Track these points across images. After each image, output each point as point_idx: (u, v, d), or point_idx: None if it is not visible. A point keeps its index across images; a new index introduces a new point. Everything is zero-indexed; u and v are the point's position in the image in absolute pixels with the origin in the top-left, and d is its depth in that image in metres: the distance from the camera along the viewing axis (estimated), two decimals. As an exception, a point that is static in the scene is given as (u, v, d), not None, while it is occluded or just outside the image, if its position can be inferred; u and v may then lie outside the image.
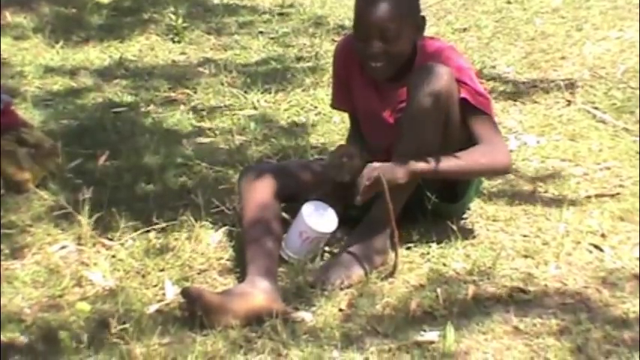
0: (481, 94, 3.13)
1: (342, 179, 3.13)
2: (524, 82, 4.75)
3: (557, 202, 3.55)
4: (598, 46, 5.18)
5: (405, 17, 3.13)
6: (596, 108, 4.40)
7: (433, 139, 3.05)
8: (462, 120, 3.11)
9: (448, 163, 3.06)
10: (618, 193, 3.61)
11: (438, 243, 3.25)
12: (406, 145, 3.04)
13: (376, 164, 3.05)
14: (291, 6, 6.07)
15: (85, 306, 2.90)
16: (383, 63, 3.15)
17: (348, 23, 5.55)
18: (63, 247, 3.30)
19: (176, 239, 3.29)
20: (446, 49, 3.25)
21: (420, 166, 3.04)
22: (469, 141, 3.12)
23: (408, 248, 3.22)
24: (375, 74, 3.22)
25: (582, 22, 5.56)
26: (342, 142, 3.98)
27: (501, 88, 4.68)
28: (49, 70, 5.03)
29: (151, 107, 4.54)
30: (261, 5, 6.13)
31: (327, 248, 3.22)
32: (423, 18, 3.23)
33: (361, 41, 3.17)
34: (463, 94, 3.09)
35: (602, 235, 3.32)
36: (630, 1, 5.87)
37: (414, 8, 3.21)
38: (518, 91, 4.64)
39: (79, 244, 3.29)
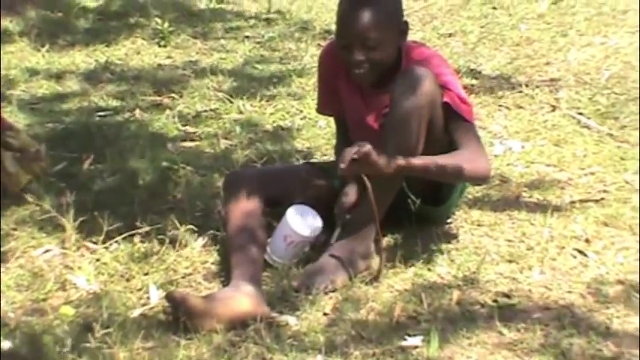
0: (463, 101, 3.13)
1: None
2: (509, 87, 4.75)
3: (542, 207, 3.55)
4: (583, 52, 5.20)
5: (387, 24, 3.13)
6: (580, 113, 4.42)
7: (416, 143, 3.04)
8: (444, 125, 3.12)
9: (431, 164, 3.05)
10: (602, 199, 3.62)
11: (422, 248, 3.24)
12: (389, 150, 3.03)
13: (366, 144, 2.97)
14: (277, 11, 6.08)
15: (68, 310, 2.89)
16: (366, 70, 3.16)
17: (334, 28, 5.53)
18: (47, 251, 3.29)
19: (161, 243, 3.28)
20: (430, 54, 3.26)
21: (405, 161, 3.01)
22: (450, 146, 3.12)
23: (393, 253, 3.21)
24: (359, 80, 3.23)
25: (567, 28, 5.59)
26: (328, 147, 4.00)
27: (486, 94, 4.67)
28: (34, 74, 5.04)
29: (137, 111, 4.53)
30: (247, 10, 6.14)
31: (311, 252, 3.21)
32: (406, 23, 3.23)
33: (344, 49, 3.17)
34: (445, 99, 3.09)
35: (587, 241, 3.32)
36: (615, 7, 5.92)
37: (396, 14, 3.20)
38: (504, 97, 4.65)
39: (63, 248, 3.28)
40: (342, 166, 2.93)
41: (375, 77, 3.19)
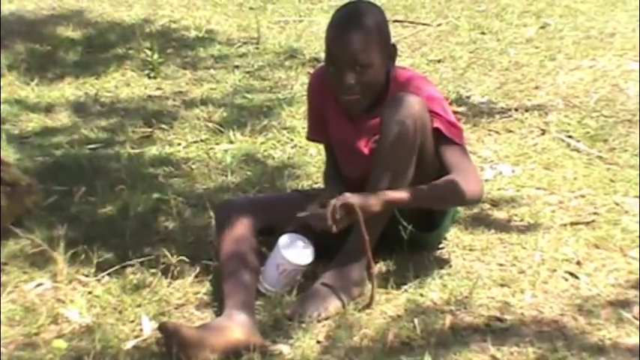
0: (453, 125, 3.15)
1: (323, 228, 3.12)
2: (498, 112, 4.77)
3: (533, 230, 3.56)
4: (571, 76, 5.22)
5: (376, 46, 3.14)
6: (570, 137, 4.43)
7: (407, 169, 3.06)
8: (435, 150, 3.13)
9: (422, 193, 3.07)
10: (593, 221, 3.63)
11: (414, 273, 3.25)
12: (380, 175, 3.05)
13: (349, 194, 3.05)
14: (266, 39, 6.09)
15: (61, 343, 2.89)
16: (358, 95, 3.17)
17: (323, 56, 5.55)
18: (39, 285, 3.28)
19: (153, 274, 3.28)
20: (417, 78, 3.28)
21: (394, 195, 3.04)
22: (442, 170, 3.13)
23: (385, 279, 3.22)
24: (351, 107, 3.23)
25: (555, 52, 5.61)
26: (318, 175, 4.00)
27: (476, 118, 4.69)
28: (24, 108, 5.03)
29: (127, 143, 4.53)
30: (236, 39, 6.15)
31: (303, 280, 3.21)
32: (394, 47, 3.24)
33: (334, 74, 3.18)
34: (436, 124, 3.10)
35: (578, 263, 3.33)
36: (602, 30, 5.95)
37: (384, 37, 3.21)
38: (493, 121, 4.66)
39: (54, 282, 3.28)
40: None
41: (366, 103, 3.20)
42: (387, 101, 3.14)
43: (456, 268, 3.32)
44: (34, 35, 6.24)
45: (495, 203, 3.80)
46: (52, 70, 5.62)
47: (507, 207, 3.77)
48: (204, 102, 5.02)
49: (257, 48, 5.95)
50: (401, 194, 3.05)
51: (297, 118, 4.74)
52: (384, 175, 3.05)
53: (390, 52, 3.23)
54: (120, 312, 3.12)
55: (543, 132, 4.50)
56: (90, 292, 3.23)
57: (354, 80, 3.14)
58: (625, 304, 3.08)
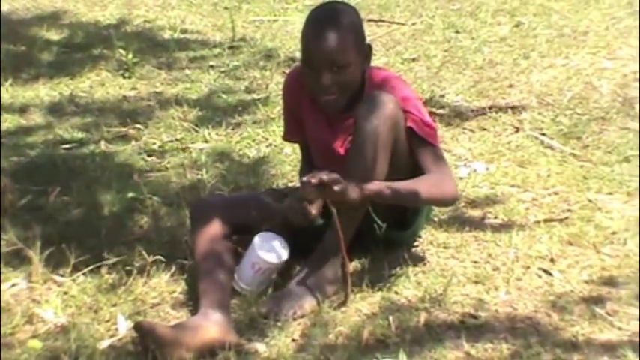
0: (427, 124, 3.16)
1: (302, 224, 3.13)
2: (472, 110, 4.79)
3: (507, 227, 3.58)
4: (545, 74, 5.25)
5: (352, 46, 3.16)
6: (543, 134, 4.46)
7: (381, 167, 3.06)
8: (408, 149, 3.14)
9: (398, 190, 3.08)
10: (566, 218, 3.65)
11: (389, 271, 3.26)
12: (354, 174, 3.05)
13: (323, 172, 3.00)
14: (241, 39, 6.09)
15: (36, 343, 2.88)
16: (335, 95, 3.18)
17: (299, 55, 5.51)
18: (14, 285, 3.27)
19: (128, 274, 3.27)
20: (392, 78, 3.29)
21: (371, 187, 3.03)
22: (416, 170, 3.14)
23: (360, 277, 3.23)
24: (328, 107, 3.24)
25: (529, 51, 5.64)
26: (294, 174, 4.01)
27: (450, 117, 4.71)
28: (-2, 108, 5.02)
29: (102, 143, 4.53)
30: (211, 39, 6.15)
31: (279, 279, 3.22)
32: (370, 46, 3.26)
33: (311, 74, 3.18)
34: (409, 124, 3.11)
35: (551, 260, 3.36)
36: (576, 29, 5.98)
37: (360, 37, 3.23)
38: (468, 119, 4.68)
39: (30, 282, 3.27)
40: (309, 180, 2.94)
41: (343, 102, 3.21)
42: (362, 101, 3.15)
43: (431, 266, 3.33)
44: (8, 35, 6.21)
45: (470, 201, 3.82)
46: (27, 71, 5.60)
47: (481, 205, 3.79)
48: (179, 102, 5.02)
49: (232, 48, 5.95)
50: (378, 186, 3.04)
51: (272, 117, 4.74)
52: (357, 174, 3.04)
53: (366, 51, 3.24)
54: (95, 311, 3.11)
55: (517, 130, 4.53)
56: (65, 292, 3.23)
57: (331, 80, 3.15)
58: (598, 300, 3.10)
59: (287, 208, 3.16)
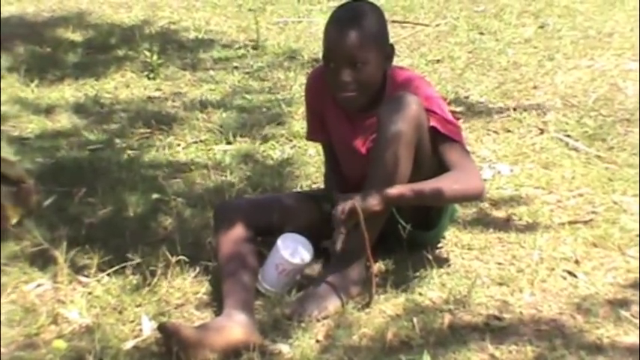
0: (450, 122, 3.16)
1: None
2: (497, 112, 4.78)
3: (531, 229, 3.57)
4: (569, 75, 5.24)
5: (373, 44, 3.16)
6: (568, 136, 4.44)
7: (404, 168, 3.06)
8: (432, 149, 3.13)
9: (421, 190, 3.07)
10: (591, 220, 3.64)
11: (413, 272, 3.26)
12: (377, 175, 3.05)
13: (349, 195, 3.06)
14: (265, 40, 6.10)
15: (61, 344, 2.89)
16: (354, 93, 3.18)
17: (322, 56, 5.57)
18: (39, 286, 3.29)
19: (152, 275, 3.28)
20: (414, 78, 3.28)
21: (394, 192, 3.04)
22: (440, 169, 3.13)
23: (384, 278, 3.22)
24: (347, 104, 3.24)
25: (554, 52, 5.63)
26: (317, 175, 4.01)
27: (475, 118, 4.70)
28: (24, 109, 5.04)
29: (127, 144, 4.54)
30: (235, 40, 6.16)
31: (303, 280, 3.23)
32: (392, 46, 3.26)
33: (332, 70, 3.19)
34: (432, 123, 3.11)
35: (576, 262, 3.34)
36: (601, 30, 5.96)
37: (382, 36, 3.23)
38: (492, 121, 4.67)
39: (54, 282, 3.28)
40: (339, 238, 3.05)
41: (362, 100, 3.20)
42: (384, 101, 3.15)
43: (455, 267, 3.33)
44: (34, 37, 6.26)
45: (494, 202, 3.81)
46: (52, 72, 5.63)
47: (506, 206, 3.78)
48: (203, 103, 5.03)
49: (256, 49, 5.96)
50: (401, 190, 3.05)
51: (296, 118, 4.75)
52: (381, 175, 3.05)
53: (388, 52, 3.24)
54: (120, 312, 3.12)
55: (542, 131, 4.51)
56: (90, 293, 3.24)
57: (351, 77, 3.15)
58: (623, 302, 3.09)
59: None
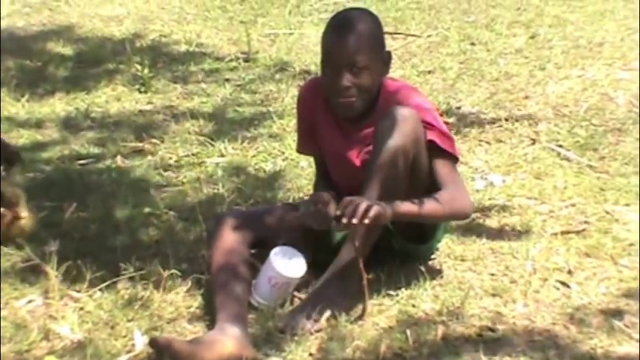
0: (446, 135, 3.16)
1: (319, 227, 3.12)
2: (488, 122, 4.78)
3: (524, 239, 3.57)
4: (561, 85, 5.24)
5: (372, 49, 3.17)
6: (560, 146, 4.44)
7: (400, 182, 3.05)
8: (428, 162, 3.13)
9: (421, 208, 3.07)
10: (584, 230, 3.64)
11: (406, 284, 3.25)
12: (373, 188, 3.04)
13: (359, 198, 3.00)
14: (256, 52, 6.10)
15: (53, 360, 2.88)
16: (354, 98, 3.17)
17: (314, 69, 5.58)
18: (30, 301, 3.28)
19: (144, 289, 3.27)
20: (408, 89, 3.29)
21: (403, 208, 3.03)
22: (433, 183, 3.13)
23: (377, 290, 3.22)
24: (345, 111, 3.23)
25: (545, 62, 5.63)
26: (310, 187, 4.01)
27: (467, 129, 4.70)
28: (14, 124, 5.02)
29: (118, 158, 4.53)
30: (227, 53, 6.15)
31: (296, 293, 3.22)
32: (389, 53, 3.26)
33: (330, 77, 3.18)
34: (430, 137, 3.11)
35: (569, 272, 3.34)
36: (591, 40, 5.96)
37: (380, 42, 3.24)
38: (484, 131, 4.67)
39: (46, 298, 3.27)
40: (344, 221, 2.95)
41: (361, 107, 3.20)
42: (378, 111, 3.16)
43: (448, 279, 3.32)
44: (24, 51, 6.25)
45: (486, 213, 3.81)
46: (43, 86, 5.62)
47: (498, 217, 3.78)
48: (194, 116, 5.02)
49: (247, 61, 5.96)
50: (403, 207, 3.04)
51: (288, 130, 4.74)
52: (376, 189, 3.04)
53: (385, 57, 3.24)
54: (112, 327, 3.11)
55: (533, 141, 4.51)
56: (81, 308, 3.22)
57: (350, 82, 3.15)
58: (616, 312, 3.09)
59: (303, 215, 3.15)
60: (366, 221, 2.92)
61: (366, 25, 3.19)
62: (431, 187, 3.14)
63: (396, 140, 3.02)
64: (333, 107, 3.26)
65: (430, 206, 3.09)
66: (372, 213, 2.92)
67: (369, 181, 3.08)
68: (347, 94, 3.17)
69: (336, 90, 3.18)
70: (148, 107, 5.29)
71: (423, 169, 3.12)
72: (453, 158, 3.20)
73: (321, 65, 3.26)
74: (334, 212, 3.06)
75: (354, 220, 2.92)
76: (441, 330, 3.00)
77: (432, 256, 3.46)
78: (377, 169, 3.07)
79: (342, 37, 3.15)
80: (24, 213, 3.67)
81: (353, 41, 3.14)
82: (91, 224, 3.82)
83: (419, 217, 3.10)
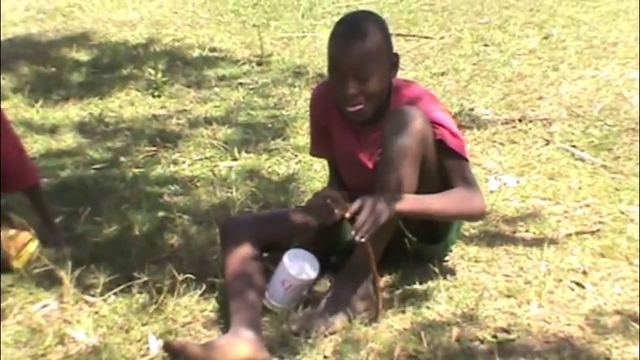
0: (455, 136, 3.14)
1: (326, 222, 3.12)
2: (502, 123, 4.77)
3: (538, 241, 3.56)
4: (574, 86, 5.23)
5: (378, 55, 3.12)
6: (574, 146, 4.43)
7: (410, 183, 3.04)
8: (438, 161, 3.12)
9: (430, 205, 3.07)
10: (598, 230, 3.63)
11: (420, 286, 3.25)
12: (383, 189, 3.04)
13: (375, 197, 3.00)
14: (269, 56, 6.10)
15: (68, 364, 2.89)
16: (362, 105, 3.15)
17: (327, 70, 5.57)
18: (45, 306, 3.28)
19: (159, 293, 3.27)
20: (419, 91, 3.27)
21: (402, 206, 3.03)
22: (444, 183, 3.13)
23: (391, 292, 3.22)
24: (354, 117, 3.21)
25: (558, 63, 5.62)
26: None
27: (480, 130, 4.69)
28: (29, 129, 5.04)
29: (132, 162, 4.55)
30: (240, 57, 6.17)
31: (309, 295, 3.22)
32: (397, 55, 3.23)
33: (337, 83, 3.17)
34: (439, 136, 3.10)
35: (584, 273, 3.33)
36: (605, 40, 5.95)
37: (386, 46, 3.19)
38: (497, 132, 4.66)
39: (61, 302, 3.28)
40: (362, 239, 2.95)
41: (370, 112, 3.18)
42: (390, 113, 3.14)
43: (462, 280, 3.31)
44: (38, 57, 6.28)
45: (500, 214, 3.80)
46: (57, 92, 5.65)
47: (512, 218, 3.77)
48: (208, 120, 5.03)
49: (260, 65, 5.96)
50: (411, 203, 3.03)
51: (302, 134, 4.75)
52: (387, 189, 3.03)
53: (393, 60, 3.21)
54: (126, 331, 3.11)
55: (547, 142, 4.51)
56: (96, 312, 3.23)
57: (357, 90, 3.13)
58: (632, 313, 3.07)
59: (308, 207, 3.14)
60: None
61: (371, 31, 3.14)
62: (443, 187, 3.13)
63: (403, 139, 3.01)
64: (343, 112, 3.25)
65: (439, 203, 3.08)
66: (381, 220, 2.94)
67: (378, 182, 3.07)
68: (354, 102, 3.15)
69: (344, 98, 3.16)
70: (162, 112, 5.31)
71: (432, 169, 3.11)
72: (464, 159, 3.18)
73: (328, 71, 3.25)
74: (341, 211, 3.05)
75: (366, 238, 2.93)
76: (455, 332, 2.99)
77: (446, 258, 3.45)
78: (385, 170, 3.06)
79: (347, 46, 3.11)
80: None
81: (358, 50, 3.09)
82: (106, 229, 3.83)
83: (427, 213, 3.08)
